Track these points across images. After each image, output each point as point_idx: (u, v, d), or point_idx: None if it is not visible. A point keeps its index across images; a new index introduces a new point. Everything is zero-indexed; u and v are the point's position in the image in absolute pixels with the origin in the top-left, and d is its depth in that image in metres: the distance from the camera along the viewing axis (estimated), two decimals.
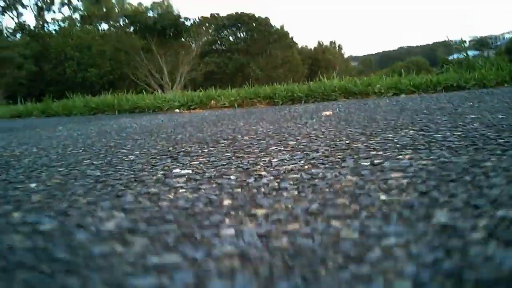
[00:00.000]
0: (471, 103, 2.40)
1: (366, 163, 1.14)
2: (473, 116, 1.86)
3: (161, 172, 1.25)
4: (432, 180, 0.90)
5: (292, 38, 29.84)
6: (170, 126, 2.96)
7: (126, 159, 1.55)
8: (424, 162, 1.07)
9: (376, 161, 1.14)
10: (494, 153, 1.09)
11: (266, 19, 27.36)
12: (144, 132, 2.58)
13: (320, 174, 1.06)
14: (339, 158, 1.24)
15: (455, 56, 5.60)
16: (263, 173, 1.13)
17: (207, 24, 25.30)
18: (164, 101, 5.23)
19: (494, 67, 4.13)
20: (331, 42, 42.78)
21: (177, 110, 4.84)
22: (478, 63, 4.52)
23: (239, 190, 0.97)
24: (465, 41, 6.63)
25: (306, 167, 1.16)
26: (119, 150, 1.80)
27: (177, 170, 1.26)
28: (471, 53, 5.27)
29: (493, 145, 1.20)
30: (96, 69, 20.49)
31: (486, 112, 1.94)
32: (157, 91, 7.54)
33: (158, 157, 1.53)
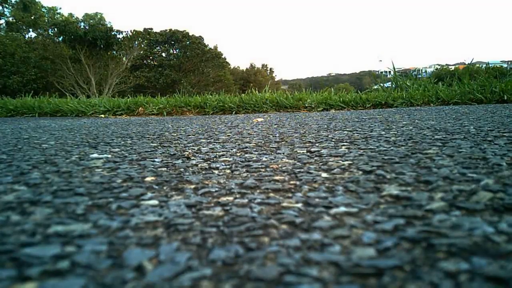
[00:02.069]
0: (401, 115, 2.43)
1: (303, 150, 1.05)
2: (405, 123, 1.86)
3: (76, 156, 1.10)
4: (375, 162, 0.83)
5: (225, 58, 29.89)
6: (93, 126, 2.75)
7: (39, 147, 1.37)
8: (362, 151, 1.00)
9: (313, 149, 1.06)
10: (435, 145, 1.05)
11: (200, 37, 27.21)
12: (64, 130, 2.37)
13: (255, 158, 0.96)
14: (273, 147, 1.15)
15: (381, 85, 5.80)
16: (192, 157, 1.02)
17: (140, 39, 24.74)
18: (88, 105, 4.93)
19: (421, 88, 4.29)
20: (263, 65, 43.45)
21: (102, 116, 4.58)
22: (406, 83, 4.67)
23: (164, 169, 0.85)
24: (389, 72, 6.91)
25: (238, 153, 1.05)
26: (33, 141, 1.61)
27: (94, 155, 1.11)
28: (392, 84, 5.46)
29: (431, 139, 1.16)
30: (19, 77, 19.30)
31: (418, 120, 1.94)
32: (83, 97, 7.12)
33: (76, 146, 1.37)
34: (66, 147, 1.33)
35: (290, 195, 0.60)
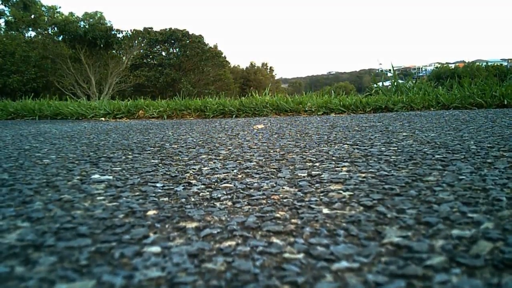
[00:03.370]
0: (401, 123, 2.43)
1: (303, 174, 1.06)
2: (405, 134, 1.86)
3: (78, 178, 1.10)
4: (376, 194, 0.83)
5: (225, 57, 29.90)
6: (94, 133, 2.75)
7: (40, 162, 1.38)
8: (363, 175, 1.01)
9: (313, 173, 1.06)
10: (435, 168, 1.05)
11: (200, 36, 27.19)
12: (64, 137, 2.37)
13: (256, 184, 0.96)
14: (274, 168, 1.15)
15: (380, 84, 5.80)
16: (193, 180, 1.02)
17: (140, 38, 24.75)
18: (88, 108, 4.93)
19: (421, 91, 4.30)
20: (263, 64, 43.48)
21: (102, 119, 4.58)
22: (405, 87, 4.68)
23: (166, 199, 0.85)
24: (389, 70, 6.90)
25: (240, 175, 1.06)
26: (34, 154, 1.61)
27: (96, 176, 1.12)
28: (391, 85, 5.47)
29: (431, 160, 1.16)
30: (19, 76, 19.30)
31: (418, 131, 1.94)
32: (83, 100, 7.13)
33: (77, 161, 1.37)
34: (67, 164, 1.33)
35: (292, 240, 0.60)
